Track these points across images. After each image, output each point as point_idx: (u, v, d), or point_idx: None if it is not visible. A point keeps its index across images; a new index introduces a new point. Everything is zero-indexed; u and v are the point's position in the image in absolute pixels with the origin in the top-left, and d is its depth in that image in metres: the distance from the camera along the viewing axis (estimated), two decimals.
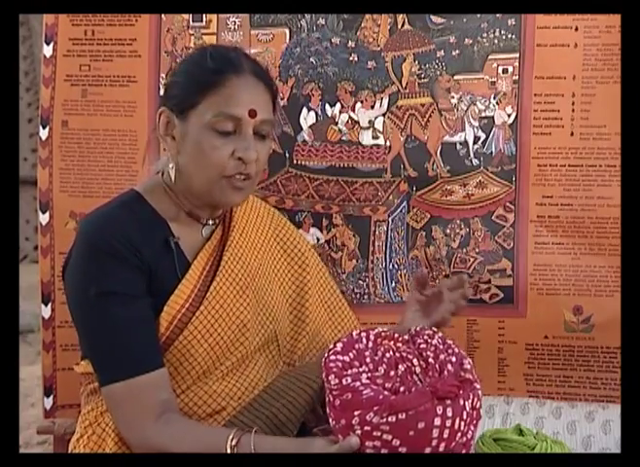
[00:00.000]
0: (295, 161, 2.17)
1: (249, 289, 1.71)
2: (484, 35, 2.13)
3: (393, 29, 2.15)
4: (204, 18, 2.19)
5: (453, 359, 1.49)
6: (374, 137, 2.17)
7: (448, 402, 1.38)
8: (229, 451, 1.47)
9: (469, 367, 1.47)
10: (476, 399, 1.43)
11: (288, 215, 2.16)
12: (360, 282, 2.17)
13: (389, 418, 1.36)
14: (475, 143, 2.15)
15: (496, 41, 2.13)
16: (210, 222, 1.72)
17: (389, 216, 2.17)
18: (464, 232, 2.16)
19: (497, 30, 2.12)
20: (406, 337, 1.56)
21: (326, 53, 2.16)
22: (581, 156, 2.12)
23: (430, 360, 1.50)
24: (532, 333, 2.14)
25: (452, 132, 2.15)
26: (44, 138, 2.20)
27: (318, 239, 2.18)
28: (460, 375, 1.45)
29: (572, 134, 2.12)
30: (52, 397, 2.20)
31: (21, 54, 6.48)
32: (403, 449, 1.37)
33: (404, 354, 1.52)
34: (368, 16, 2.15)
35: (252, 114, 1.61)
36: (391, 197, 2.17)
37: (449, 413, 1.37)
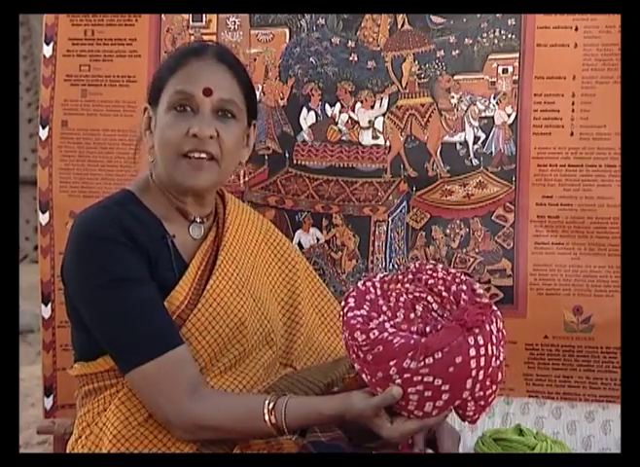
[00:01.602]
0: (295, 162, 2.17)
1: (245, 288, 1.71)
2: (484, 35, 2.13)
3: (393, 29, 2.15)
4: (204, 18, 2.19)
5: (464, 287, 1.51)
6: (374, 137, 2.17)
7: (477, 331, 1.40)
8: (266, 415, 1.50)
9: (481, 291, 1.50)
10: (498, 320, 1.46)
11: (288, 215, 2.16)
12: None
13: (426, 361, 1.38)
14: (475, 143, 2.15)
15: (496, 41, 2.13)
16: (198, 220, 1.72)
17: (389, 216, 2.17)
18: (464, 232, 2.16)
19: (497, 30, 2.12)
20: (410, 276, 1.56)
21: (326, 52, 2.16)
22: (581, 156, 2.12)
23: (443, 294, 1.51)
24: (532, 333, 2.14)
25: (452, 132, 2.15)
26: (44, 138, 2.20)
27: (318, 239, 2.18)
28: (476, 301, 1.47)
29: (572, 134, 2.12)
30: (52, 397, 2.20)
31: (21, 54, 6.48)
32: (446, 387, 1.39)
33: (416, 294, 1.52)
34: (368, 16, 2.15)
35: (207, 92, 1.63)
36: (391, 198, 2.16)
37: (481, 342, 1.40)
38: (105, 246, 1.57)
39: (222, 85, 1.65)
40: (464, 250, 2.16)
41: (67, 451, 1.69)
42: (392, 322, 1.46)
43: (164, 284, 1.62)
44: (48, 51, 2.20)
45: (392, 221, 2.17)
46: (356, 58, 2.16)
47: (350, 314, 1.47)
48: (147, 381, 1.56)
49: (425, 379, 1.39)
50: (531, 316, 2.14)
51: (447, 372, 1.38)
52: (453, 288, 1.51)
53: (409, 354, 1.39)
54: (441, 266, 1.57)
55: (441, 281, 1.53)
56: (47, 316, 2.19)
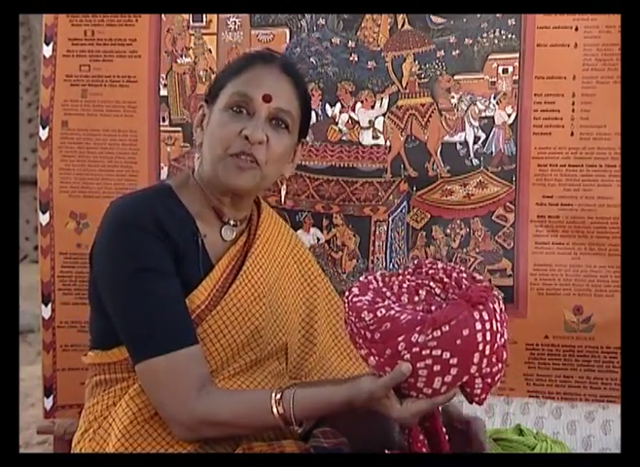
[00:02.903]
0: None
1: (266, 297, 1.71)
2: (484, 35, 2.13)
3: (393, 29, 2.15)
4: (204, 18, 2.19)
5: (464, 275, 1.55)
6: (375, 137, 2.17)
7: (481, 307, 1.44)
8: (274, 407, 1.51)
9: (481, 278, 1.55)
10: (500, 302, 1.49)
11: (288, 215, 2.16)
12: None
13: (434, 334, 1.41)
14: (475, 143, 2.15)
15: (496, 41, 2.13)
16: (232, 222, 1.73)
17: (389, 216, 2.17)
18: (464, 232, 2.16)
19: (497, 30, 2.12)
20: (410, 270, 1.59)
21: (326, 53, 2.16)
22: (581, 156, 2.12)
23: (445, 280, 1.55)
24: (532, 333, 2.14)
25: (452, 132, 2.15)
26: (44, 138, 2.20)
27: (318, 239, 2.18)
28: (479, 283, 1.52)
29: (572, 134, 2.12)
30: (52, 397, 2.20)
31: (21, 54, 6.49)
32: (454, 361, 1.41)
33: (419, 282, 1.56)
34: (368, 16, 2.15)
35: (266, 98, 1.65)
36: (391, 197, 2.17)
37: (486, 317, 1.43)
38: (137, 235, 1.58)
39: (282, 94, 1.67)
40: (464, 250, 2.16)
41: (73, 445, 1.69)
42: (398, 303, 1.50)
43: (188, 282, 1.62)
44: (48, 51, 2.20)
45: (392, 221, 2.17)
46: (356, 58, 2.16)
47: (355, 299, 1.50)
48: (155, 375, 1.55)
49: (433, 353, 1.41)
50: (531, 316, 2.14)
51: (455, 344, 1.41)
52: (454, 275, 1.55)
53: (417, 329, 1.42)
54: (440, 262, 1.60)
55: (441, 270, 1.57)
56: (47, 316, 2.19)
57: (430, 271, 1.57)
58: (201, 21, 2.19)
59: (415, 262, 1.62)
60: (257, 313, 1.68)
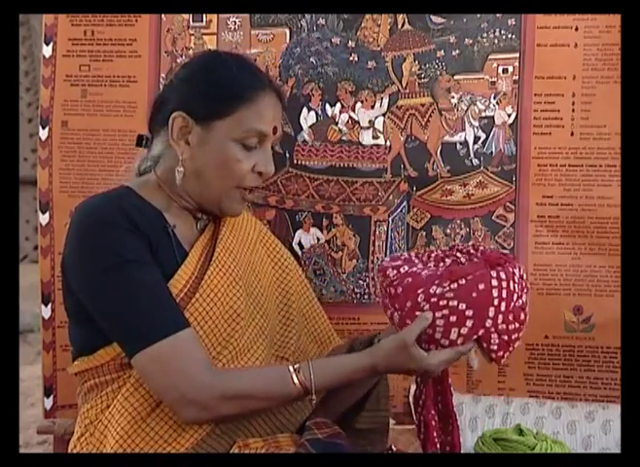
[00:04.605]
0: (295, 161, 2.17)
1: (241, 281, 1.72)
2: (484, 35, 2.13)
3: (393, 29, 2.15)
4: (204, 18, 2.19)
5: (489, 251, 1.67)
6: (375, 137, 2.17)
7: (500, 268, 1.55)
8: (293, 375, 1.54)
9: (508, 252, 1.68)
10: (522, 269, 1.60)
11: (288, 215, 2.16)
12: (360, 282, 2.17)
13: (451, 286, 1.52)
14: (475, 143, 2.15)
15: (496, 41, 2.13)
16: (204, 217, 1.75)
17: (389, 216, 2.17)
18: (464, 232, 2.16)
19: (497, 30, 2.12)
20: (438, 251, 1.72)
21: (326, 53, 2.16)
22: (581, 156, 2.12)
23: (471, 251, 1.67)
24: (532, 333, 2.13)
25: (452, 132, 2.15)
26: (44, 138, 2.20)
27: (319, 239, 2.18)
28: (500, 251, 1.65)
29: (572, 134, 2.12)
30: (52, 397, 2.20)
31: (21, 54, 6.48)
32: (469, 313, 1.51)
33: (446, 253, 1.70)
34: (368, 16, 2.15)
35: (275, 131, 1.70)
36: (391, 197, 2.17)
37: (503, 276, 1.54)
38: (111, 230, 1.58)
39: (281, 122, 1.73)
40: None
41: (69, 450, 1.68)
42: (423, 266, 1.63)
43: (165, 272, 1.62)
44: (47, 51, 2.19)
45: (392, 221, 2.17)
46: (356, 58, 2.16)
47: (385, 263, 1.64)
48: (159, 361, 1.54)
49: (450, 304, 1.52)
50: (531, 316, 2.12)
51: (471, 296, 1.51)
52: (480, 249, 1.68)
53: (436, 282, 1.54)
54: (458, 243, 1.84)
55: (469, 247, 1.69)
56: (47, 316, 2.19)
57: (459, 247, 1.69)
58: (201, 21, 2.19)
59: (445, 248, 1.75)
60: (234, 297, 1.68)
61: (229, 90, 1.66)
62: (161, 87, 2.18)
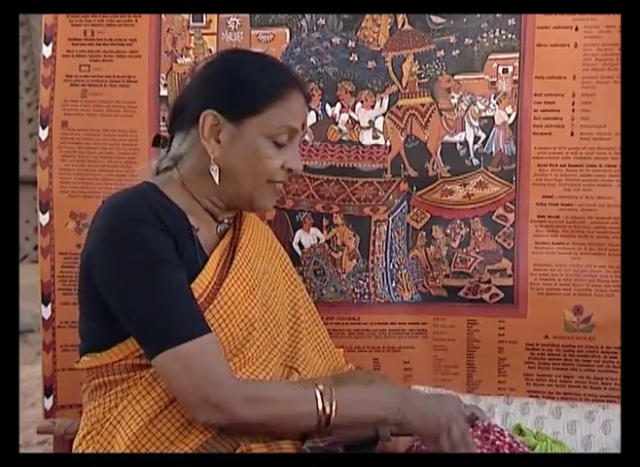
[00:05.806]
0: None
1: (258, 290, 1.72)
2: (484, 35, 2.13)
3: (393, 29, 2.15)
4: (204, 18, 2.19)
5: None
6: (375, 137, 2.17)
7: None
8: (318, 395, 1.53)
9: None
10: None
11: (288, 215, 2.16)
12: (360, 282, 2.17)
13: None
14: (475, 143, 2.15)
15: (496, 41, 2.13)
16: (225, 220, 1.76)
17: (389, 216, 2.17)
18: (464, 231, 2.16)
19: (497, 30, 2.12)
20: (479, 432, 1.62)
21: (326, 53, 2.16)
22: (581, 156, 2.12)
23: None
24: (532, 333, 2.14)
25: (452, 132, 2.15)
26: (44, 138, 2.20)
27: (319, 239, 2.18)
28: None
29: (572, 134, 2.12)
30: (52, 397, 2.20)
31: (21, 54, 6.49)
32: None
33: (484, 450, 1.60)
34: (368, 16, 2.15)
35: (303, 127, 1.74)
36: (391, 197, 2.16)
37: None
38: (141, 227, 1.58)
39: (306, 117, 1.79)
40: (464, 250, 2.16)
41: (74, 448, 1.68)
42: None
43: (188, 274, 1.62)
44: (47, 51, 2.19)
45: (392, 221, 2.17)
46: (356, 58, 2.16)
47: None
48: (184, 362, 1.53)
49: None
50: (531, 316, 2.14)
51: None
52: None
53: None
54: (507, 431, 1.66)
55: (506, 446, 1.61)
56: (47, 316, 2.19)
57: (497, 442, 1.62)
58: (201, 21, 2.19)
59: (485, 423, 1.66)
60: (250, 306, 1.68)
61: (259, 88, 1.67)
62: (162, 87, 2.18)
